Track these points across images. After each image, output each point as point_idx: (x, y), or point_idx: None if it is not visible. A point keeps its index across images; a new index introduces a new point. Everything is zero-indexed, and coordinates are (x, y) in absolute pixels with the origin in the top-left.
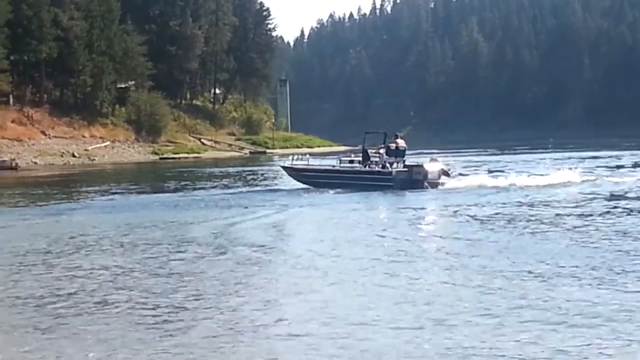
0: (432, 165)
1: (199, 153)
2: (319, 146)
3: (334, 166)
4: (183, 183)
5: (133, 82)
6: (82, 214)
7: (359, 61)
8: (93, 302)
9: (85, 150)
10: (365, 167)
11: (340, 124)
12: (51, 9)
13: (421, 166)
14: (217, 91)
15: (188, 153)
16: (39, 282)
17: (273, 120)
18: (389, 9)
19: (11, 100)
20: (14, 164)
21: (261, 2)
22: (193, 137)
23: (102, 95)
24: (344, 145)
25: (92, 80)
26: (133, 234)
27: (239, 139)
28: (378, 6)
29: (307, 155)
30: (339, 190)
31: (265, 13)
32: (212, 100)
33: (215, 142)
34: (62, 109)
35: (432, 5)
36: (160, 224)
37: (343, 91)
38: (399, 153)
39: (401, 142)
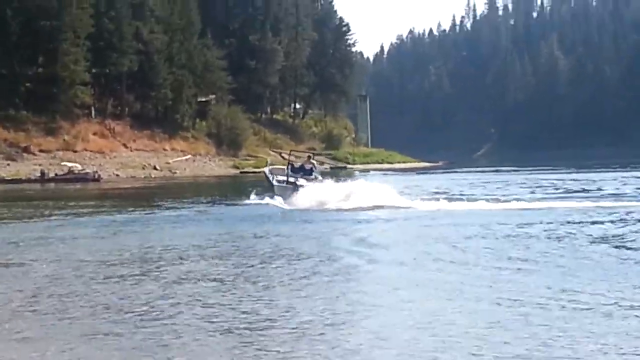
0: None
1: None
2: (399, 162)
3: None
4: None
5: (213, 96)
6: (169, 227)
7: (438, 77)
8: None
9: (167, 163)
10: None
11: (419, 140)
12: (132, 22)
13: (294, 183)
14: (297, 106)
15: None
16: (123, 293)
17: (353, 136)
18: (468, 25)
19: (93, 112)
20: (96, 176)
21: (341, 18)
22: (273, 151)
23: (182, 109)
24: (424, 161)
25: (173, 94)
26: (221, 246)
27: (319, 154)
28: (458, 22)
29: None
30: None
31: (344, 29)
32: (292, 114)
33: (296, 157)
34: (143, 122)
35: (512, 22)
36: (247, 236)
37: (422, 107)
38: (305, 171)
39: (309, 163)
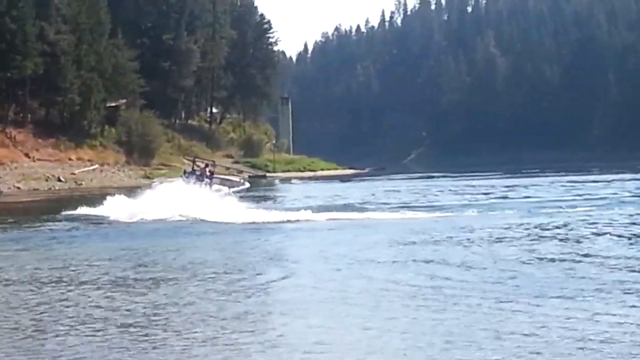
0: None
1: None
2: (322, 169)
3: None
4: None
5: (124, 101)
6: (63, 244)
7: (366, 77)
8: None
9: (72, 174)
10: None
11: (347, 145)
12: (36, 22)
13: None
14: (214, 110)
15: None
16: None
17: (274, 142)
18: (399, 21)
19: None
20: None
21: (262, 15)
22: (188, 159)
23: (90, 115)
24: (350, 168)
25: (80, 99)
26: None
27: (237, 162)
28: (387, 18)
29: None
30: None
31: (265, 26)
32: (208, 120)
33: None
34: (48, 129)
35: (445, 18)
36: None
37: (349, 110)
38: (198, 177)
39: (202, 170)
